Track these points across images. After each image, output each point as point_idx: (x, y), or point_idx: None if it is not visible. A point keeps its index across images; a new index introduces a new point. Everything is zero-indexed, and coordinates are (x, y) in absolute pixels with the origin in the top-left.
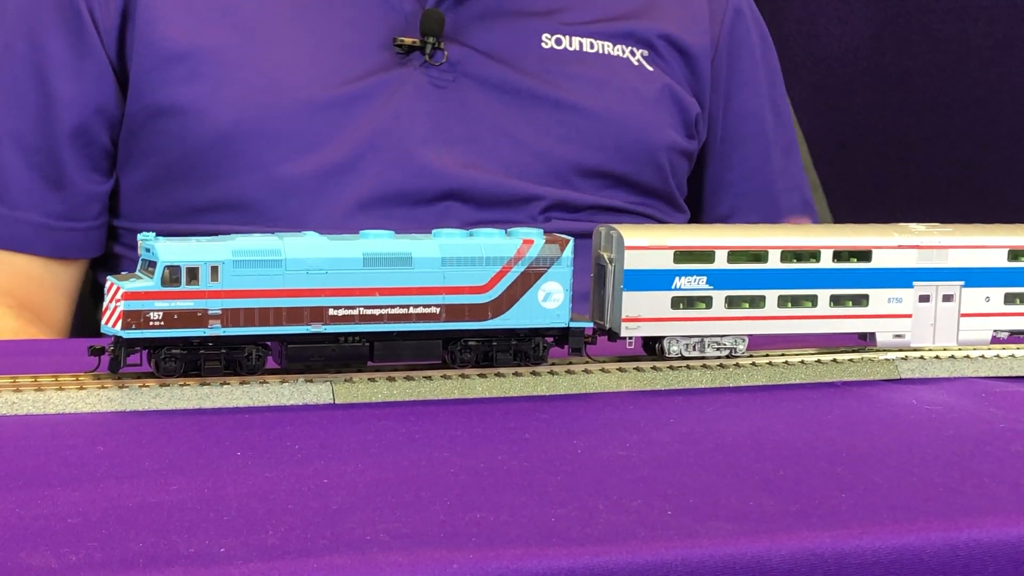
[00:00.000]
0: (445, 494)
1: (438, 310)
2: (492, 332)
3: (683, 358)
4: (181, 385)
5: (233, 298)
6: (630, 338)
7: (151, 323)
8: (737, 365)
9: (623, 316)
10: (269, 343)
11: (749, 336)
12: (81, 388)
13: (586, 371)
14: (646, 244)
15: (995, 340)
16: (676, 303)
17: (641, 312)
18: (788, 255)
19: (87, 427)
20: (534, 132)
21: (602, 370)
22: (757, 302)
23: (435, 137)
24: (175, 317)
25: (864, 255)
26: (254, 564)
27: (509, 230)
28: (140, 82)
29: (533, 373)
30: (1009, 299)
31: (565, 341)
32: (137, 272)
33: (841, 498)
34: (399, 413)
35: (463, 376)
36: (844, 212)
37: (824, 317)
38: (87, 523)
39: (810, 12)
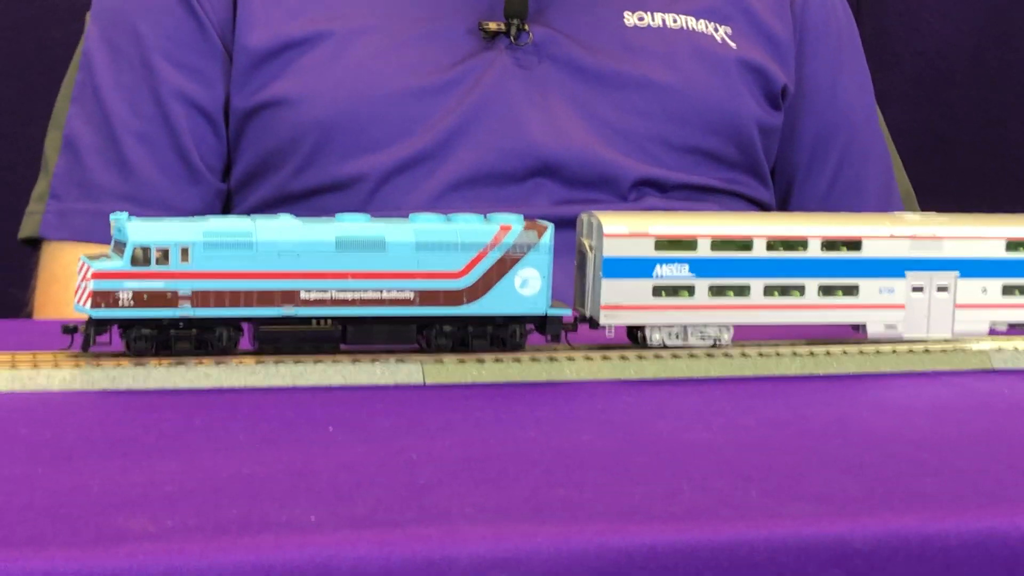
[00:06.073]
0: (530, 471)
1: (412, 295)
2: (467, 318)
3: (665, 347)
4: (275, 363)
5: (203, 279)
6: (610, 326)
7: (120, 303)
8: (827, 353)
9: (602, 304)
10: (243, 325)
11: (735, 326)
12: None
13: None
14: (626, 231)
15: (993, 332)
16: (657, 291)
17: (621, 300)
18: (775, 243)
19: (184, 402)
20: (619, 110)
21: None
22: (742, 291)
23: (522, 117)
24: (145, 297)
25: (854, 244)
26: (343, 533)
27: (488, 215)
28: (236, 86)
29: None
30: (1007, 290)
31: (544, 328)
32: (109, 252)
33: (926, 483)
34: (487, 394)
35: (552, 359)
36: (939, 208)
37: (812, 307)
38: (182, 491)
39: (912, 6)
